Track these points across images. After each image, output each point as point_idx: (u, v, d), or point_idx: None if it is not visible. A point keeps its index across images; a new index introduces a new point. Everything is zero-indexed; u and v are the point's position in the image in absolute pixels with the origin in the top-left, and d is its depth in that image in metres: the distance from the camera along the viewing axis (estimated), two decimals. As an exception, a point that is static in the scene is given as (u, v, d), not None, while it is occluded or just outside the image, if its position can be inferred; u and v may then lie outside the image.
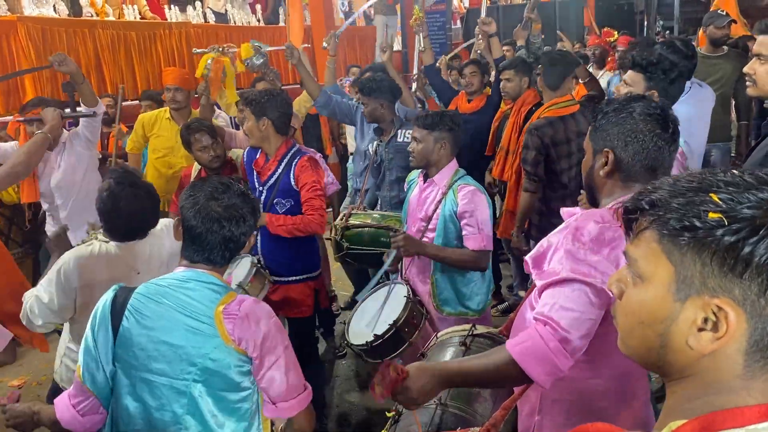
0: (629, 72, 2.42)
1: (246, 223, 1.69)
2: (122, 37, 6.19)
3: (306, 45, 4.58)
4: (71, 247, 2.41)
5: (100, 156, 4.25)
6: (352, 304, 4.70)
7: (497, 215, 3.96)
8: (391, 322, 2.56)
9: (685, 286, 0.74)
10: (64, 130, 3.81)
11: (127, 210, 2.20)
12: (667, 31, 12.64)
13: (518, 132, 3.82)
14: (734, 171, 0.76)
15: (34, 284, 4.49)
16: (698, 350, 0.74)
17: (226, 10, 8.08)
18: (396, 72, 4.65)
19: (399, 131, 3.68)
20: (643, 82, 2.36)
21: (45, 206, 3.94)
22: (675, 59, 2.39)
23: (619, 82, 4.84)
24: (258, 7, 8.75)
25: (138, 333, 1.62)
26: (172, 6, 7.36)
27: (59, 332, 2.61)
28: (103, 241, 2.26)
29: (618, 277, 0.84)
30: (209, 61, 4.20)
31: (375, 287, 2.86)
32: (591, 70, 5.49)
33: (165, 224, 2.36)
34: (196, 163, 3.58)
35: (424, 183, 2.78)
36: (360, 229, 3.35)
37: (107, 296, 1.67)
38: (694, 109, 3.07)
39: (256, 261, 2.90)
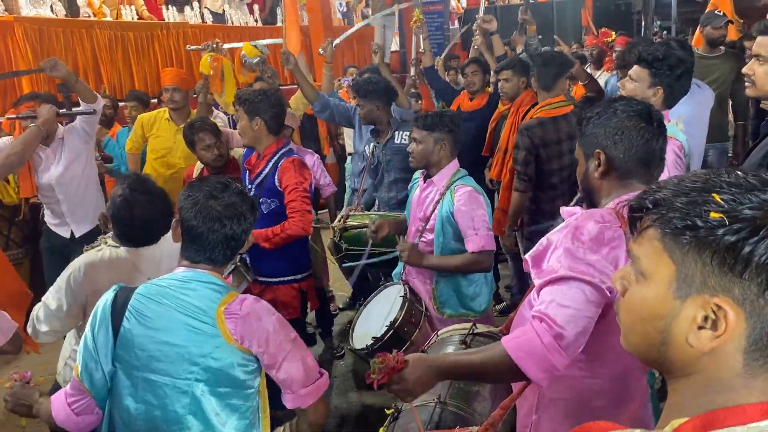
0: (635, 67, 2.40)
1: (246, 221, 1.70)
2: (119, 37, 6.18)
3: (321, 53, 4.58)
4: (75, 249, 2.41)
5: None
6: (350, 305, 4.71)
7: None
8: (388, 323, 2.56)
9: (685, 284, 0.75)
10: (60, 125, 3.80)
11: (141, 217, 2.16)
12: (665, 32, 12.66)
13: (516, 132, 3.82)
14: (739, 172, 0.76)
15: (32, 285, 4.51)
16: (698, 348, 0.75)
17: (224, 11, 8.07)
18: (389, 71, 4.65)
19: (396, 132, 3.68)
20: (648, 78, 2.35)
21: (44, 200, 3.93)
22: (682, 56, 2.38)
23: (616, 83, 4.87)
24: (256, 7, 8.75)
25: (139, 334, 1.62)
26: (169, 6, 7.36)
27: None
28: (113, 246, 2.22)
29: (622, 274, 0.85)
30: (209, 60, 4.20)
31: (374, 293, 2.87)
32: (589, 70, 5.49)
33: None
34: (198, 162, 3.58)
35: (424, 183, 2.78)
36: (358, 230, 3.35)
37: (107, 296, 1.67)
38: (692, 109, 3.08)
39: (237, 260, 2.88)
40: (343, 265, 3.50)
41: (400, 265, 2.85)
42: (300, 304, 3.15)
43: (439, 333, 2.21)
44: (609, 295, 1.41)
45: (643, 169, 1.51)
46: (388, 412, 1.94)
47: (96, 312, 1.66)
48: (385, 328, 2.55)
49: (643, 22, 11.45)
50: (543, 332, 1.39)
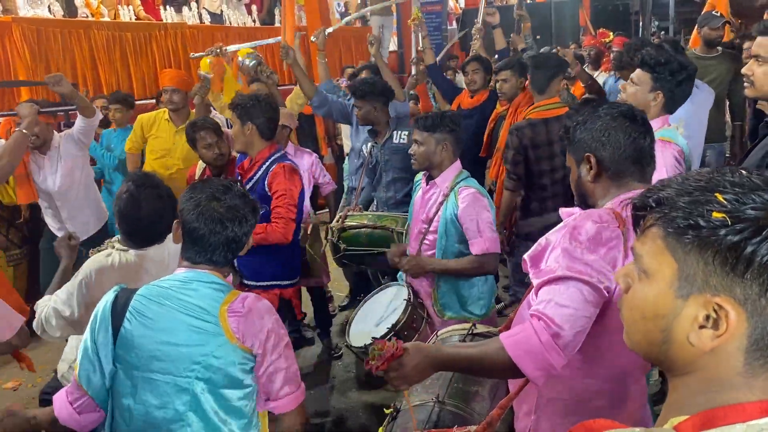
0: (637, 71, 2.41)
1: (248, 223, 1.70)
2: (117, 37, 6.17)
3: (314, 40, 4.57)
4: (78, 251, 2.39)
5: None
6: (348, 305, 4.71)
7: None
8: (390, 325, 2.55)
9: (687, 283, 0.75)
10: (56, 132, 3.82)
11: (147, 213, 2.14)
12: (663, 32, 12.68)
13: (512, 133, 3.83)
14: (743, 171, 0.76)
15: (30, 285, 4.49)
16: (699, 347, 0.75)
17: (222, 11, 8.07)
18: (385, 64, 4.65)
19: (394, 133, 3.68)
20: (650, 82, 2.36)
21: (44, 205, 3.94)
22: (684, 61, 2.39)
23: (614, 83, 4.89)
24: (254, 7, 8.74)
25: (140, 335, 1.62)
26: (167, 7, 7.35)
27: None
28: (121, 250, 2.21)
29: (625, 271, 0.86)
30: (208, 61, 4.21)
31: (375, 291, 2.86)
32: (586, 70, 5.49)
33: None
34: (200, 162, 3.59)
35: (426, 185, 2.76)
36: (357, 230, 3.35)
37: (108, 297, 1.67)
38: (691, 111, 3.10)
39: None
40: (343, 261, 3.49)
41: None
42: (282, 315, 3.12)
43: (439, 333, 2.22)
44: (607, 295, 1.41)
45: (634, 167, 1.53)
46: (386, 411, 1.94)
47: (96, 313, 1.66)
48: (386, 330, 2.54)
49: (640, 23, 11.46)
50: (541, 330, 1.39)
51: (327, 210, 4.47)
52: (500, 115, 4.21)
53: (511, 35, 4.99)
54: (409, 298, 2.64)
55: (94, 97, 5.28)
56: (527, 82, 3.65)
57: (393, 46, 9.69)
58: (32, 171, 3.78)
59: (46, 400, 2.12)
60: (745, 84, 2.10)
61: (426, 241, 2.71)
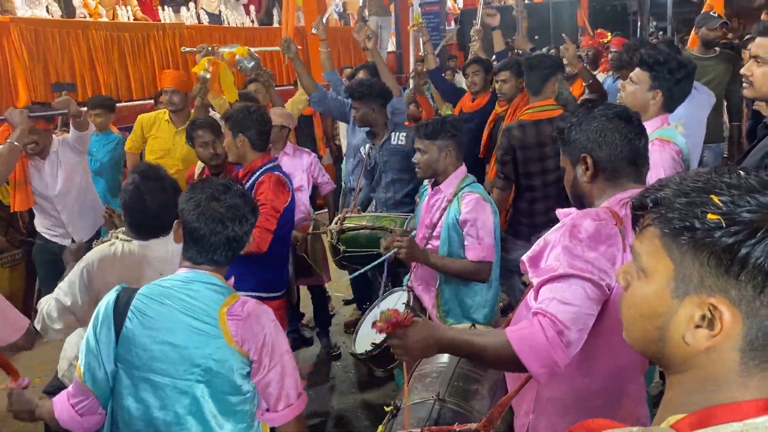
0: (636, 70, 2.41)
1: (248, 222, 1.71)
2: (116, 38, 6.17)
3: (299, 47, 4.57)
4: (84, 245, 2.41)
5: None
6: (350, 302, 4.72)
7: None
8: None
9: (683, 283, 0.76)
10: (54, 137, 3.83)
11: (153, 204, 2.15)
12: (661, 32, 12.70)
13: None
14: (740, 172, 0.77)
15: (29, 286, 4.49)
16: (694, 346, 0.76)
17: (220, 11, 8.06)
18: (381, 59, 4.66)
19: (392, 134, 3.68)
20: (648, 81, 2.36)
21: (40, 211, 3.94)
22: (683, 60, 2.39)
23: (612, 83, 4.88)
24: (252, 8, 8.74)
25: (141, 334, 1.63)
26: (165, 7, 7.34)
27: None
28: (125, 241, 2.22)
29: (625, 269, 0.87)
30: (206, 63, 4.21)
31: (380, 298, 2.86)
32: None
33: None
34: (199, 162, 3.59)
35: (432, 190, 2.75)
36: (356, 231, 3.35)
37: (110, 296, 1.68)
38: (690, 111, 3.11)
39: None
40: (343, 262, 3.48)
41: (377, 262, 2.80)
42: None
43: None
44: (608, 292, 1.42)
45: (630, 167, 1.54)
46: (387, 409, 1.95)
47: (98, 312, 1.67)
48: (384, 335, 2.53)
49: (639, 23, 11.48)
50: (547, 327, 1.39)
51: (326, 210, 4.48)
52: (499, 115, 4.21)
53: (516, 38, 4.94)
54: (408, 302, 2.63)
55: (91, 97, 5.27)
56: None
57: (391, 46, 9.69)
58: (31, 176, 3.79)
59: (47, 399, 2.12)
60: (744, 84, 2.10)
61: (429, 247, 2.70)
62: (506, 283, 3.44)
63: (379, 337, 2.53)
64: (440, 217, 2.65)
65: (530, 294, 1.56)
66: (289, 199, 2.96)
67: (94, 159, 4.64)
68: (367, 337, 2.62)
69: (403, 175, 3.67)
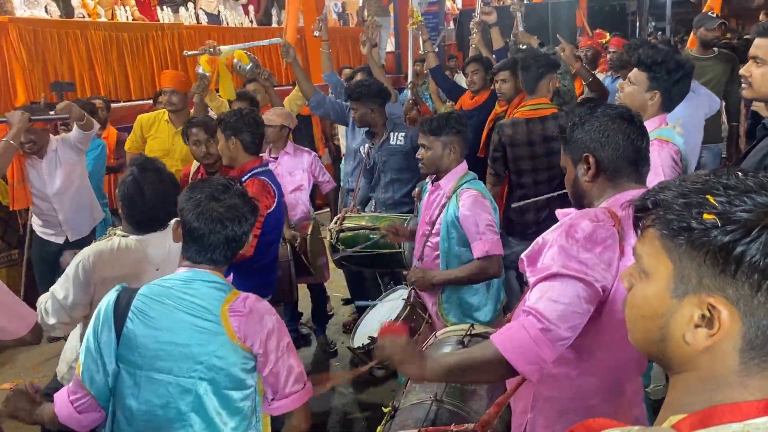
0: (634, 70, 2.42)
1: (248, 222, 1.72)
2: (114, 38, 6.16)
3: (317, 35, 4.55)
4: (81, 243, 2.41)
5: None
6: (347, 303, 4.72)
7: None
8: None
9: (682, 283, 0.77)
10: (52, 136, 3.83)
11: (151, 196, 2.15)
12: (659, 32, 12.71)
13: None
14: (739, 174, 0.78)
15: (27, 286, 4.50)
16: (694, 346, 0.76)
17: (219, 12, 8.06)
18: (376, 63, 4.65)
19: (391, 134, 3.69)
20: (646, 82, 2.37)
21: (37, 211, 3.94)
22: (682, 60, 2.40)
23: (611, 83, 4.88)
24: (251, 8, 8.74)
25: (143, 334, 1.63)
26: (164, 7, 7.34)
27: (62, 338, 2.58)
28: (122, 236, 2.21)
29: (629, 271, 0.88)
30: (207, 61, 4.22)
31: (382, 295, 2.86)
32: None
33: None
34: (195, 162, 3.60)
35: (432, 187, 2.75)
36: (355, 231, 3.35)
37: (110, 297, 1.68)
38: (688, 112, 3.12)
39: None
40: (342, 262, 3.48)
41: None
42: None
43: (437, 334, 2.22)
44: (602, 293, 1.42)
45: (631, 168, 1.55)
46: (385, 410, 1.95)
47: (98, 312, 1.67)
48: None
49: (637, 23, 11.48)
50: (530, 325, 1.41)
51: (326, 209, 4.48)
52: (499, 115, 4.21)
53: (518, 32, 4.87)
54: (409, 298, 2.62)
55: (90, 97, 5.27)
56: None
57: (390, 46, 9.69)
58: (29, 175, 3.79)
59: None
60: (743, 85, 2.10)
61: (429, 244, 2.70)
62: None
63: (377, 331, 2.54)
64: (439, 214, 2.65)
65: (528, 293, 1.56)
66: (274, 205, 2.93)
67: None
68: (366, 333, 2.62)
69: (402, 175, 3.68)
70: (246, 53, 4.39)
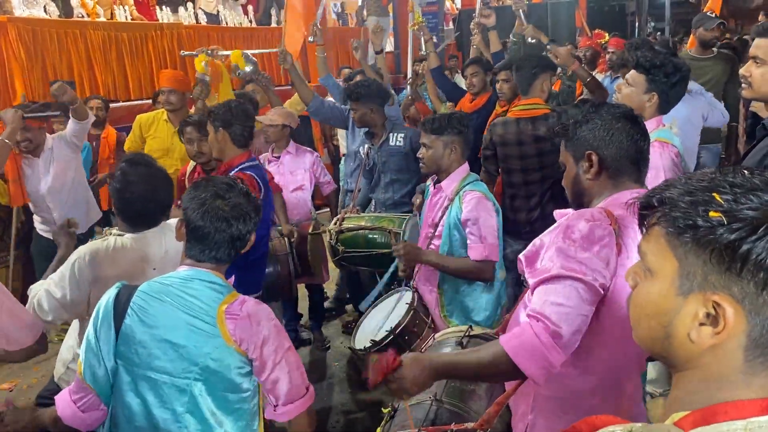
0: (632, 72, 2.44)
1: (251, 221, 1.72)
2: (113, 38, 6.16)
3: (312, 40, 4.54)
4: (76, 237, 2.39)
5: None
6: (337, 301, 4.71)
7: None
8: (389, 328, 2.53)
9: (688, 281, 0.77)
10: (48, 135, 3.83)
11: (142, 191, 2.15)
12: (659, 33, 12.72)
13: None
14: (744, 172, 0.78)
15: (26, 286, 4.50)
16: (698, 344, 0.76)
17: (218, 11, 8.06)
18: (370, 69, 4.64)
19: (391, 134, 3.69)
20: (644, 84, 2.39)
21: (35, 209, 3.95)
22: (679, 63, 2.43)
23: (610, 83, 4.88)
24: (250, 8, 8.74)
25: (141, 331, 1.63)
26: (163, 7, 7.34)
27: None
28: (117, 235, 2.21)
29: (634, 269, 0.87)
30: (203, 64, 4.21)
31: (385, 295, 2.85)
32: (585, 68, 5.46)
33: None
34: (191, 161, 3.60)
35: (434, 189, 2.74)
36: (354, 232, 3.35)
37: (110, 293, 1.68)
38: (686, 113, 3.12)
39: None
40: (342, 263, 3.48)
41: (387, 274, 2.81)
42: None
43: (436, 336, 2.22)
44: (602, 292, 1.42)
45: (632, 168, 1.56)
46: (384, 411, 1.95)
47: (98, 309, 1.67)
48: (384, 333, 2.53)
49: (637, 24, 11.49)
50: (540, 331, 1.40)
51: (326, 210, 4.48)
52: (499, 115, 4.21)
53: (526, 27, 4.80)
54: (412, 302, 2.61)
55: (89, 97, 5.27)
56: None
57: (390, 46, 9.69)
58: (25, 173, 3.79)
59: (43, 404, 2.10)
60: (743, 85, 2.11)
61: (432, 246, 2.69)
62: None
63: (380, 334, 2.53)
64: (442, 216, 2.64)
65: (528, 294, 1.56)
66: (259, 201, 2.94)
67: None
68: (368, 334, 2.62)
69: (402, 175, 3.68)
70: (243, 55, 4.39)
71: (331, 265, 3.84)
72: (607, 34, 7.03)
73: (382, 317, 2.69)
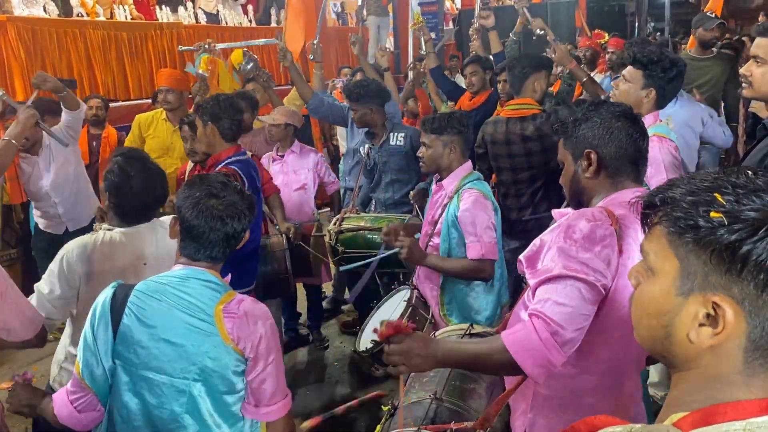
0: (629, 68, 2.45)
1: (246, 219, 1.72)
2: (113, 37, 6.16)
3: (312, 58, 4.57)
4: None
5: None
6: (334, 302, 4.71)
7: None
8: None
9: (688, 281, 0.77)
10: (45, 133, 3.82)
11: (138, 185, 2.14)
12: (658, 33, 12.73)
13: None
14: (748, 172, 0.78)
15: (25, 286, 4.49)
16: (698, 344, 0.76)
17: (218, 11, 8.06)
18: (368, 64, 4.63)
19: (391, 134, 3.69)
20: (642, 80, 2.40)
21: (37, 205, 3.94)
22: (675, 58, 2.44)
23: (609, 83, 4.87)
24: (250, 7, 8.74)
25: (138, 330, 1.63)
26: (163, 6, 7.34)
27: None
28: (107, 230, 2.19)
29: (636, 269, 0.88)
30: (205, 62, 4.22)
31: (386, 296, 2.85)
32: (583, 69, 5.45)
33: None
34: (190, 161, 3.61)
35: (435, 187, 2.74)
36: (354, 232, 3.35)
37: (107, 293, 1.67)
38: (688, 114, 3.13)
39: None
40: (341, 268, 3.48)
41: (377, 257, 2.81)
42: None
43: (437, 333, 2.22)
44: (603, 292, 1.43)
45: (631, 167, 1.57)
46: (384, 409, 1.95)
47: (95, 308, 1.66)
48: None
49: (636, 24, 11.50)
50: (540, 328, 1.40)
51: (328, 209, 4.48)
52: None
53: (534, 20, 4.78)
54: (410, 299, 2.61)
55: (88, 96, 5.27)
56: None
57: (389, 46, 9.69)
58: (25, 172, 3.79)
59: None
60: (744, 84, 2.11)
61: (431, 244, 2.69)
62: None
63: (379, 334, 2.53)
64: (441, 214, 2.64)
65: (527, 294, 1.56)
66: None
67: None
68: (371, 336, 2.61)
69: (402, 175, 3.68)
70: (244, 51, 4.39)
71: (332, 265, 3.85)
72: (606, 35, 7.04)
73: (384, 317, 2.68)
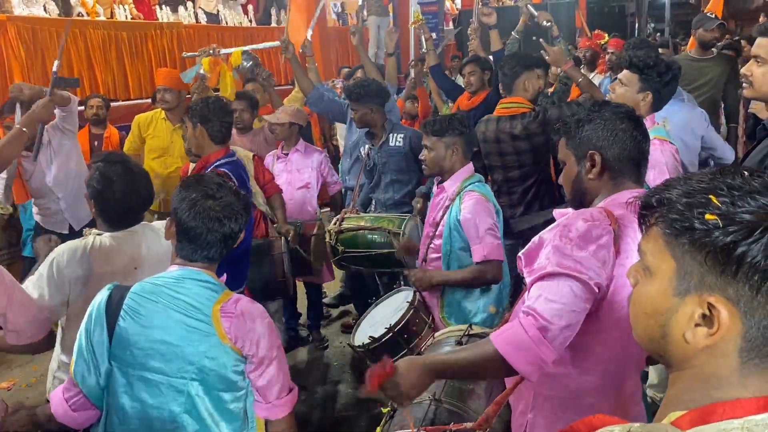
0: (624, 71, 2.48)
1: (242, 219, 1.72)
2: (113, 37, 6.16)
3: (301, 50, 4.57)
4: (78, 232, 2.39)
5: None
6: (341, 297, 4.71)
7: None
8: (388, 326, 2.53)
9: (685, 282, 0.77)
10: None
11: (121, 189, 2.11)
12: (658, 34, 12.73)
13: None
14: (744, 173, 0.78)
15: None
16: (693, 344, 0.77)
17: (218, 11, 8.07)
18: (366, 55, 4.64)
19: (390, 135, 3.68)
20: (638, 83, 2.43)
21: (39, 203, 3.93)
22: (670, 62, 2.48)
23: (609, 84, 4.87)
24: (250, 7, 8.74)
25: (135, 332, 1.62)
26: (163, 6, 7.34)
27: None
28: (96, 234, 2.16)
29: (635, 268, 0.88)
30: (207, 63, 4.23)
31: (387, 294, 2.86)
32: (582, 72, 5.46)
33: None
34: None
35: (437, 189, 2.74)
36: (354, 232, 3.35)
37: (102, 295, 1.67)
38: (688, 114, 3.14)
39: None
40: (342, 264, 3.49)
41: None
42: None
43: (436, 335, 2.22)
44: (597, 291, 1.43)
45: (633, 169, 1.57)
46: (384, 410, 1.95)
47: (91, 311, 1.66)
48: (383, 330, 2.52)
49: (636, 25, 11.50)
50: (528, 325, 1.41)
51: (327, 209, 4.48)
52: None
53: (540, 13, 4.75)
54: (413, 301, 2.60)
55: (89, 96, 5.27)
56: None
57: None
58: (26, 170, 3.78)
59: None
60: (744, 84, 2.11)
61: (432, 246, 2.69)
62: None
63: (379, 331, 2.53)
64: (442, 216, 2.64)
65: (526, 293, 1.56)
66: None
67: None
68: (366, 331, 2.61)
69: (402, 176, 3.69)
70: (243, 52, 4.40)
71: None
72: (606, 35, 7.04)
73: (383, 315, 2.68)
